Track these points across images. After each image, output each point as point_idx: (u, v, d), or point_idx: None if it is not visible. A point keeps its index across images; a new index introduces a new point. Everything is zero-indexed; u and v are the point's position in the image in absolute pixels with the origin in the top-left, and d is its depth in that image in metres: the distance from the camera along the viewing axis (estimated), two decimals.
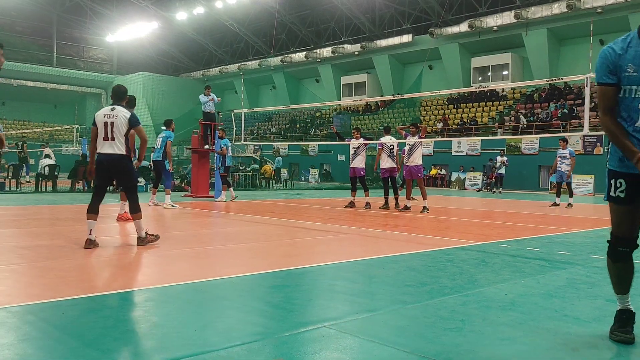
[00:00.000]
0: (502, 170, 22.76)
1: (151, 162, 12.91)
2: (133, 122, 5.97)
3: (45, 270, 4.60)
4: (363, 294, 4.06)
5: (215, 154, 14.76)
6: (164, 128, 11.89)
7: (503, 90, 31.61)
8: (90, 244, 5.72)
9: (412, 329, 3.17)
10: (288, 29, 42.11)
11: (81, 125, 40.39)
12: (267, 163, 29.56)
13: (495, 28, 30.90)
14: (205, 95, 14.89)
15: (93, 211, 5.90)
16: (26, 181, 21.41)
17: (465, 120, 31.19)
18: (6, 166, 18.83)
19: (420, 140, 11.68)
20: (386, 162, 12.33)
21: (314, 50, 40.38)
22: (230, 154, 14.43)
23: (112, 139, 5.88)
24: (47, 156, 20.25)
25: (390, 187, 12.53)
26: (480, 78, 32.84)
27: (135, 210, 5.97)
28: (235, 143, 19.36)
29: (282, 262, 5.30)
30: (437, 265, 5.31)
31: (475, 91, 32.02)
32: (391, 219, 10.08)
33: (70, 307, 3.45)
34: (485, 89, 31.54)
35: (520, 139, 26.66)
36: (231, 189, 14.36)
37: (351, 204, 12.65)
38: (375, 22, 37.67)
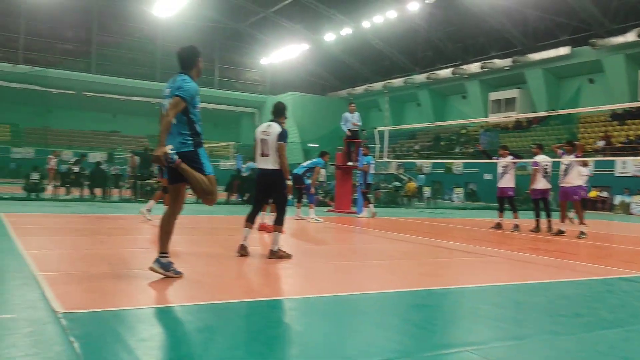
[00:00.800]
0: None
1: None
2: (279, 138, 6.18)
3: (203, 275, 5.00)
4: (509, 320, 3.84)
5: (358, 171, 15.01)
6: (319, 157, 12.47)
7: None
8: (242, 249, 6.06)
9: None
10: (434, 45, 41.66)
11: (237, 143, 43.44)
12: (411, 180, 29.33)
13: None
14: (349, 112, 15.24)
15: (250, 220, 6.28)
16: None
17: (632, 138, 28.21)
18: None
19: (576, 159, 10.81)
20: (540, 183, 11.59)
21: (461, 66, 39.43)
22: (372, 171, 14.57)
23: (267, 155, 6.19)
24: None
25: (542, 209, 11.74)
26: None
27: (279, 223, 6.19)
28: (378, 160, 19.50)
29: (424, 282, 5.21)
30: (595, 295, 4.85)
31: None
32: (542, 243, 9.42)
33: (223, 310, 3.72)
34: None
35: None
36: (371, 205, 14.46)
37: (498, 226, 12.05)
38: (528, 35, 35.77)
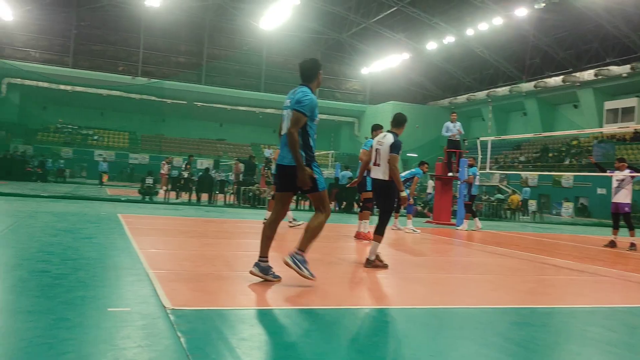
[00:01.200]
0: None
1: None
2: (391, 149, 6.14)
3: (302, 280, 5.11)
4: (622, 345, 3.56)
5: (459, 182, 14.62)
6: (417, 167, 12.32)
7: None
8: (378, 260, 6.01)
9: None
10: (544, 52, 39.70)
11: (336, 151, 43.95)
12: (515, 193, 28.08)
13: None
14: (450, 121, 14.93)
15: (379, 232, 6.11)
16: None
17: None
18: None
19: None
20: None
21: (573, 74, 37.21)
22: (477, 182, 14.13)
23: (379, 165, 6.23)
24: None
25: None
26: None
27: (379, 232, 6.11)
28: (480, 171, 18.89)
29: (526, 299, 4.97)
30: None
31: None
32: None
33: (319, 315, 3.78)
34: None
35: None
36: (476, 218, 13.98)
37: (612, 244, 11.20)
38: None
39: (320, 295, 4.51)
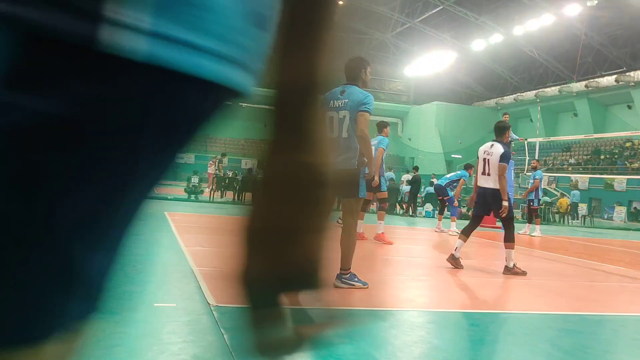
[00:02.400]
0: None
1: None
2: (500, 159, 6.29)
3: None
4: None
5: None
6: (464, 169, 12.06)
7: None
8: (453, 259, 6.31)
9: None
10: (596, 51, 38.40)
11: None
12: (564, 196, 27.25)
13: None
14: None
15: (466, 233, 6.52)
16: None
17: None
18: None
19: None
20: None
21: (627, 73, 35.82)
22: (542, 185, 13.53)
23: (489, 174, 6.36)
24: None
25: None
26: None
27: (509, 239, 6.22)
28: (527, 173, 18.42)
29: (575, 306, 4.81)
30: None
31: None
32: None
33: (359, 316, 3.77)
34: None
35: None
36: (534, 225, 13.41)
37: None
38: None
39: (363, 296, 4.49)
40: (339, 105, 4.51)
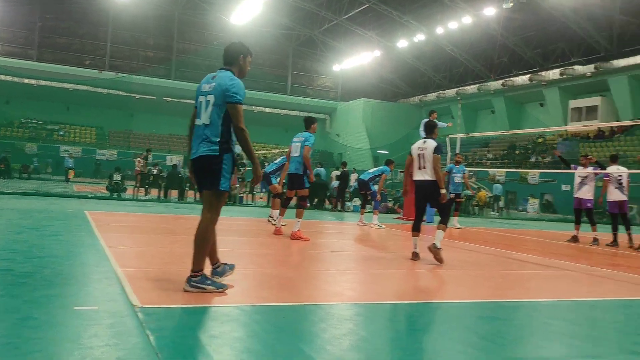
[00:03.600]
0: None
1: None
2: (435, 151, 6.81)
3: (269, 277, 5.12)
4: (585, 337, 3.68)
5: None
6: (385, 165, 12.30)
7: None
8: (416, 256, 6.77)
9: None
10: (511, 51, 40.42)
11: None
12: (482, 190, 28.56)
13: None
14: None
15: (416, 229, 6.99)
16: (260, 197, 24.05)
17: None
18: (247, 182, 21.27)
19: None
20: (613, 195, 11.02)
21: (539, 73, 38.00)
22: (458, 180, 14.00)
23: (424, 168, 6.86)
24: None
25: (620, 222, 11.14)
26: None
27: (443, 222, 6.86)
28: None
29: (492, 294, 5.08)
30: None
31: None
32: (624, 259, 8.91)
33: (289, 312, 3.79)
34: None
35: None
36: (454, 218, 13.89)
37: (574, 239, 11.51)
38: (613, 41, 34.00)
39: (292, 291, 4.51)
40: (207, 89, 4.23)
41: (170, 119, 47.61)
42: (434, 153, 6.77)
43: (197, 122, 4.24)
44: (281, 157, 10.98)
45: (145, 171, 19.65)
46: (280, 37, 50.13)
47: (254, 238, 8.55)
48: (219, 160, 4.10)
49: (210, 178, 4.12)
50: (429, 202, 6.98)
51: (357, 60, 47.80)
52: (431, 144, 6.90)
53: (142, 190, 18.80)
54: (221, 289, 4.08)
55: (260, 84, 50.33)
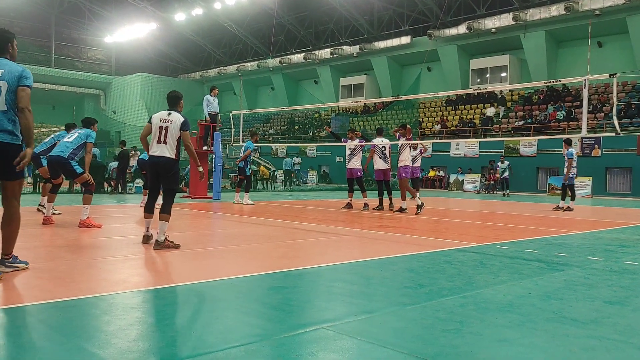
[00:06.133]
0: (507, 174, 23.30)
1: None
2: (182, 127, 6.13)
3: (42, 271, 4.59)
4: (361, 295, 4.06)
5: (213, 157, 14.61)
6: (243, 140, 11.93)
7: (501, 92, 31.64)
8: (148, 239, 6.21)
9: (411, 330, 3.16)
10: (287, 30, 42.14)
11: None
12: (261, 165, 29.60)
13: (493, 30, 30.96)
14: (211, 95, 14.97)
15: (149, 211, 6.31)
16: (28, 182, 21.34)
17: (466, 119, 31.24)
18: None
19: (407, 142, 11.80)
20: (378, 164, 12.40)
21: (313, 52, 40.40)
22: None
23: (165, 142, 6.08)
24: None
25: (384, 188, 12.58)
26: (478, 80, 32.89)
27: (166, 211, 6.05)
28: (234, 145, 19.35)
29: (280, 264, 5.30)
30: (435, 266, 5.31)
31: (474, 93, 32.06)
32: (389, 221, 10.08)
33: (67, 308, 3.44)
34: (484, 91, 31.55)
35: (519, 141, 26.70)
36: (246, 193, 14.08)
37: (348, 206, 12.65)
38: (374, 24, 37.71)
39: (72, 285, 4.11)
40: None
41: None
42: (181, 129, 6.10)
43: None
44: (50, 137, 9.84)
45: None
46: (39, 2, 44.56)
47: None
48: (18, 148, 4.31)
49: (10, 167, 4.25)
50: (161, 181, 6.17)
51: (132, 32, 44.90)
52: (178, 117, 6.17)
53: None
54: (27, 265, 4.61)
55: (18, 55, 44.34)
